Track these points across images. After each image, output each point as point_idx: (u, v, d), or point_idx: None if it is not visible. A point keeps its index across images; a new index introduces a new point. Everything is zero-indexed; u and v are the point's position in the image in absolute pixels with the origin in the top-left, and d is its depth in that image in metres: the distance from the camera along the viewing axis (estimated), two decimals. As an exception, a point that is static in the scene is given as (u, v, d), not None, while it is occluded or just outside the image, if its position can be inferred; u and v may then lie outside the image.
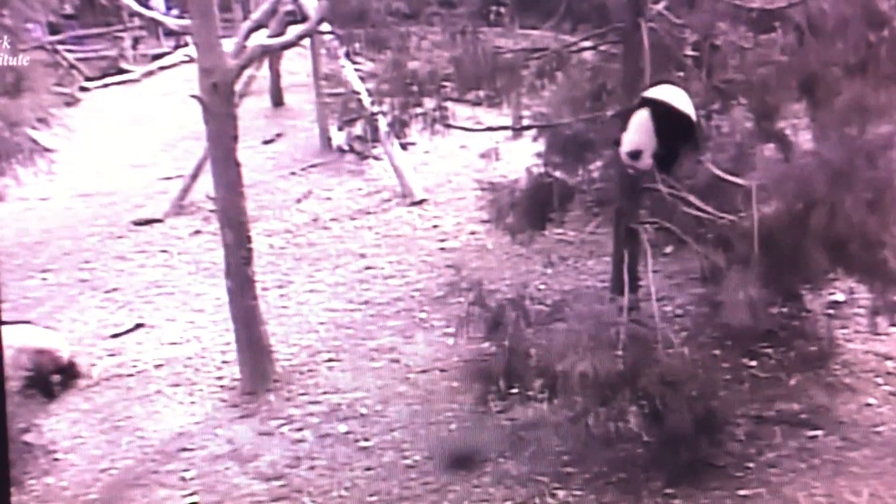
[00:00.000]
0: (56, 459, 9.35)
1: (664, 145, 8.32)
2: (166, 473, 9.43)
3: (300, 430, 9.88)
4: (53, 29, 23.82)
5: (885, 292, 8.56)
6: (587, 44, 9.84)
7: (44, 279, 14.04)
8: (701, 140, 8.81)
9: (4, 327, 9.03)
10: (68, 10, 20.77)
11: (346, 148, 16.95)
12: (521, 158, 10.77)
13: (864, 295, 9.68)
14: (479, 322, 8.82)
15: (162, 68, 24.84)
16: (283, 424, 9.99)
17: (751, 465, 8.49)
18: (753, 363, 9.80)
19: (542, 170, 10.21)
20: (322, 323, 11.96)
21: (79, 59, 25.41)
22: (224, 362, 11.24)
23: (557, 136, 10.18)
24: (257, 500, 8.92)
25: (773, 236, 8.09)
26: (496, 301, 8.89)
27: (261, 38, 11.48)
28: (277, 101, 20.48)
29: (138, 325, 12.57)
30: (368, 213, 15.11)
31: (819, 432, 8.82)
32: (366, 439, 9.60)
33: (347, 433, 9.73)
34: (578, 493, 8.47)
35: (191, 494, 9.09)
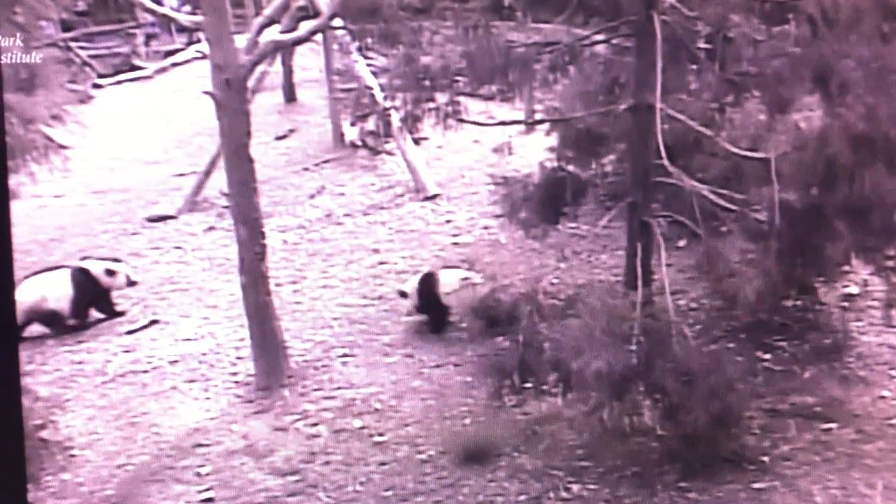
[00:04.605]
0: (72, 456, 9.36)
1: None
2: (182, 469, 9.46)
3: (315, 425, 9.90)
4: (66, 26, 23.93)
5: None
6: (600, 37, 9.83)
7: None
8: None
9: None
10: (81, 6, 20.84)
11: (359, 143, 16.95)
12: (534, 153, 10.78)
13: (878, 287, 9.66)
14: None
15: (174, 65, 24.89)
16: (298, 420, 10.01)
17: (765, 458, 8.47)
18: (767, 356, 9.79)
19: (555, 164, 10.21)
20: (336, 318, 11.98)
21: (92, 56, 25.48)
22: (238, 358, 11.27)
23: (570, 130, 10.18)
24: (272, 496, 8.94)
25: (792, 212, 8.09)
26: (510, 295, 8.89)
27: (273, 33, 11.49)
28: (290, 96, 20.50)
29: (153, 322, 12.61)
30: (381, 208, 15.12)
31: (833, 425, 8.81)
32: (380, 434, 9.61)
33: (362, 428, 9.74)
34: (593, 486, 8.47)
35: (206, 490, 9.11)
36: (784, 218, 8.13)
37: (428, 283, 11.36)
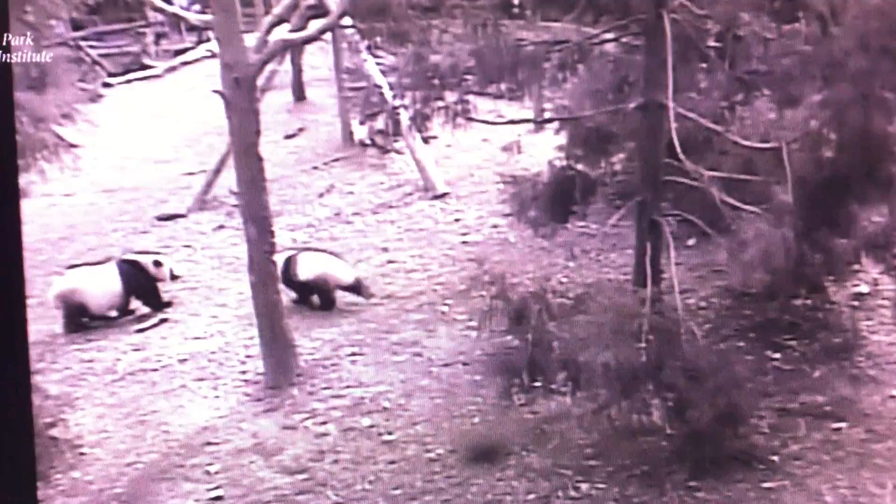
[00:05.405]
0: (82, 454, 9.37)
1: None
2: (191, 467, 9.47)
3: (323, 423, 9.91)
4: (76, 25, 23.93)
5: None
6: (609, 36, 9.82)
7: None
8: None
9: None
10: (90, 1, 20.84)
11: (368, 142, 16.97)
12: (544, 151, 10.77)
13: (888, 286, 9.64)
14: (502, 315, 8.80)
15: (184, 64, 24.92)
16: (307, 418, 10.02)
17: (775, 457, 8.46)
18: (777, 355, 9.78)
19: (564, 163, 10.21)
20: (345, 317, 11.99)
21: (102, 56, 25.51)
22: (248, 356, 11.28)
23: (580, 128, 10.17)
24: (281, 494, 8.95)
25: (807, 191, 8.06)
26: (519, 294, 8.87)
27: (282, 32, 11.49)
28: (299, 95, 20.51)
29: (162, 320, 12.63)
30: (390, 207, 15.13)
31: (843, 424, 8.79)
32: (389, 433, 9.62)
33: (371, 427, 9.75)
34: (602, 486, 8.46)
35: (215, 488, 9.13)
36: (799, 200, 8.09)
37: (288, 264, 12.26)
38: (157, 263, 12.95)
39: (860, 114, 7.74)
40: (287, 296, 11.89)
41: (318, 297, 12.44)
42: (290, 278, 12.20)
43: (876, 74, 7.76)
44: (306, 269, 12.38)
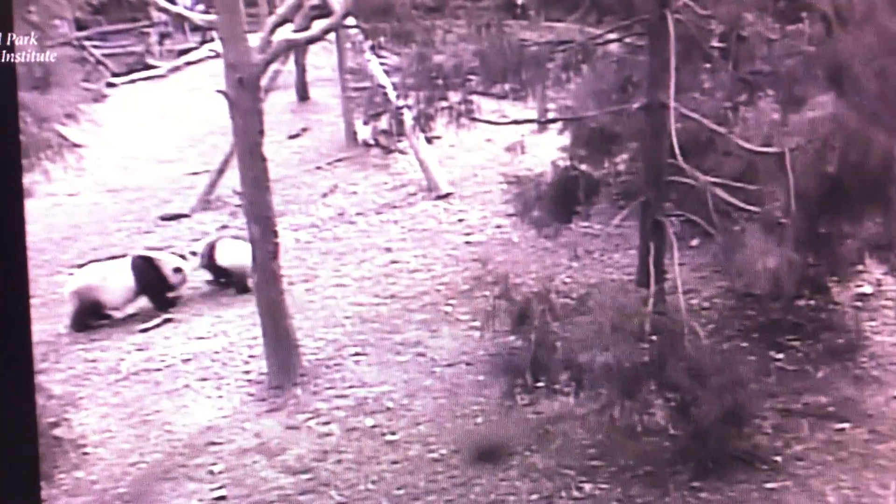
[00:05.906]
0: (85, 453, 9.39)
1: None
2: (195, 467, 9.48)
3: (327, 423, 9.91)
4: (80, 25, 23.95)
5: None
6: (613, 36, 9.83)
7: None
8: None
9: None
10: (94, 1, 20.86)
11: (372, 142, 16.97)
12: (547, 152, 10.77)
13: (891, 287, 9.64)
14: (505, 315, 8.80)
15: (188, 64, 24.93)
16: (310, 418, 10.02)
17: (778, 457, 8.46)
18: (780, 356, 9.77)
19: (567, 163, 10.21)
20: (348, 317, 11.99)
21: (105, 55, 25.54)
22: (251, 356, 11.28)
23: (583, 128, 10.18)
24: (284, 494, 8.95)
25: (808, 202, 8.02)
26: (522, 294, 8.87)
27: (286, 32, 11.49)
28: (303, 95, 20.52)
29: (166, 320, 12.64)
30: (394, 207, 15.13)
31: (846, 425, 8.79)
32: (392, 433, 9.62)
33: (374, 427, 9.75)
34: (605, 486, 8.46)
35: (219, 488, 9.13)
36: (800, 208, 8.08)
37: (209, 249, 13.41)
38: (178, 270, 12.99)
39: (863, 131, 7.74)
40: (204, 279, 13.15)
41: (232, 283, 13.15)
42: (211, 263, 13.24)
43: (881, 94, 7.76)
44: (225, 256, 13.20)
